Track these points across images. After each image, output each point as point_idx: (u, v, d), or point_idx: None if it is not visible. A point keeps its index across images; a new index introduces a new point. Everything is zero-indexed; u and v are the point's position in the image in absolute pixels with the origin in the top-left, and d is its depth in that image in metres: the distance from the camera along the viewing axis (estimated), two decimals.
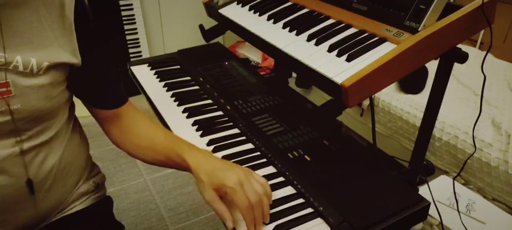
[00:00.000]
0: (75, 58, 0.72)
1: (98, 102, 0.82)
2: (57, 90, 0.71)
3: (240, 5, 1.06)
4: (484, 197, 1.42)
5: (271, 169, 0.80)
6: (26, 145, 0.70)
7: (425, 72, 1.77)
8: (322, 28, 0.85)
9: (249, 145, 0.87)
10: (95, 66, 0.77)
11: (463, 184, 1.48)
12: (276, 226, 0.66)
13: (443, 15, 0.72)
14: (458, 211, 1.21)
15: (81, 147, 0.87)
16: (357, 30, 0.82)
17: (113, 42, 2.53)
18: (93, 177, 0.91)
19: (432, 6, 0.71)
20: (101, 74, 0.80)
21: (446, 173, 1.57)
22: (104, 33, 0.78)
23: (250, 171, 0.70)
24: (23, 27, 0.65)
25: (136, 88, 1.14)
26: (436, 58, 0.77)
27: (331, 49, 0.77)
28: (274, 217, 0.67)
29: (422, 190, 0.84)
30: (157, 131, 0.83)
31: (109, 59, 0.80)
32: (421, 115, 1.53)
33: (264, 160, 0.82)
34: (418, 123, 1.62)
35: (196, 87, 1.10)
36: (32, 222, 0.78)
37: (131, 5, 2.57)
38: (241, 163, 0.80)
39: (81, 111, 0.87)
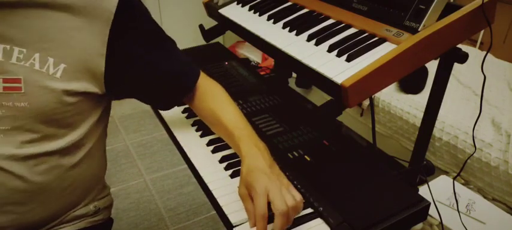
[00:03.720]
0: (98, 63, 0.68)
1: (174, 97, 0.84)
2: (73, 100, 0.68)
3: (240, 5, 1.06)
4: (484, 197, 1.42)
5: None
6: (26, 151, 0.67)
7: (425, 72, 1.77)
8: (322, 28, 0.85)
9: None
10: (151, 62, 0.75)
11: (463, 184, 1.48)
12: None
13: (443, 15, 0.72)
14: (458, 211, 1.21)
15: (95, 170, 0.82)
16: (357, 30, 0.82)
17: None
18: (95, 201, 0.85)
19: (432, 6, 0.71)
20: (164, 64, 0.78)
21: (446, 173, 1.57)
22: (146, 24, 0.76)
23: (289, 184, 0.67)
24: (49, 25, 0.63)
25: None
26: (436, 58, 0.77)
27: (331, 49, 0.77)
28: (273, 218, 0.67)
29: (422, 190, 0.84)
30: (224, 110, 0.80)
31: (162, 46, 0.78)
32: (421, 115, 1.53)
33: None
34: (418, 123, 1.62)
35: None
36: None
37: None
38: (240, 163, 0.80)
39: None
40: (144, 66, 0.75)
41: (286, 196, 0.63)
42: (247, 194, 0.66)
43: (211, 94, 0.84)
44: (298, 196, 0.65)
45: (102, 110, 0.78)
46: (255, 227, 0.63)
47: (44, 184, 0.71)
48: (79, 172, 0.76)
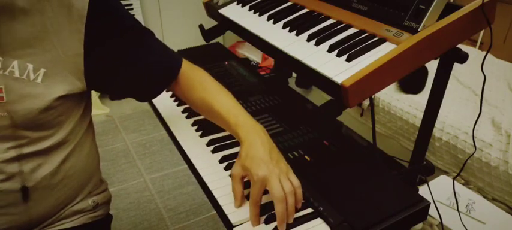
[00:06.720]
0: (77, 62, 0.68)
1: (151, 90, 0.82)
2: (56, 103, 0.68)
3: (240, 5, 1.06)
4: (484, 197, 1.42)
5: None
6: (13, 154, 0.67)
7: (425, 72, 1.77)
8: (322, 28, 0.85)
9: None
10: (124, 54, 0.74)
11: (463, 184, 1.48)
12: (276, 226, 0.66)
13: (443, 15, 0.72)
14: (458, 211, 1.21)
15: (87, 162, 0.82)
16: (357, 30, 0.82)
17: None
18: (94, 196, 0.86)
19: (432, 6, 0.71)
20: (143, 57, 0.76)
21: (446, 173, 1.57)
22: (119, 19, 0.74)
23: (289, 169, 0.69)
24: (25, 31, 0.63)
25: None
26: (436, 58, 0.77)
27: (331, 49, 0.77)
28: (273, 218, 0.67)
29: (422, 190, 0.84)
30: (215, 98, 0.79)
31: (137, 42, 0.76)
32: (421, 115, 1.53)
33: None
34: (418, 123, 1.62)
35: None
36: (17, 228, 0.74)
37: (131, 4, 2.57)
38: None
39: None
40: (123, 61, 0.75)
41: (283, 182, 0.65)
42: (240, 176, 0.67)
43: (199, 83, 0.82)
44: (296, 182, 0.67)
45: (85, 104, 0.78)
46: (249, 217, 0.66)
47: (36, 181, 0.71)
48: (69, 165, 0.76)
